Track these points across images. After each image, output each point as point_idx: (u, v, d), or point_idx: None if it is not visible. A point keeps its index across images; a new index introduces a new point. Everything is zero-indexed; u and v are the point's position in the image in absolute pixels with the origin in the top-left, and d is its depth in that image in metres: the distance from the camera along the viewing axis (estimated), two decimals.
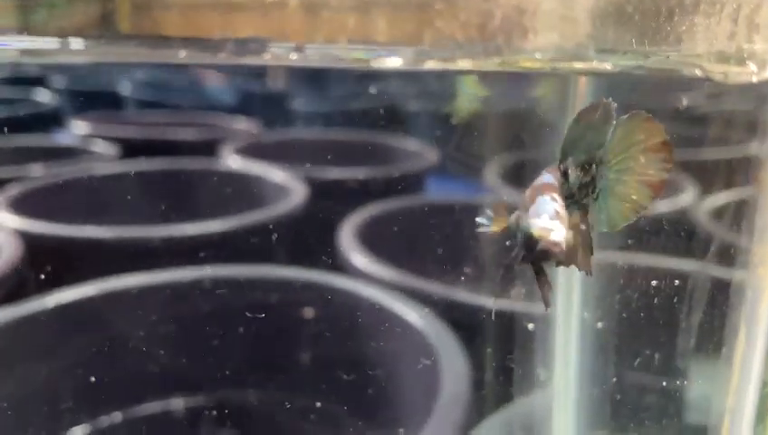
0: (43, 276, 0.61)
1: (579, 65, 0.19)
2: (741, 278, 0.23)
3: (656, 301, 0.28)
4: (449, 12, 0.16)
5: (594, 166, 0.19)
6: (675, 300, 0.27)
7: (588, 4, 0.18)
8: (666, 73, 0.20)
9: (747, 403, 0.23)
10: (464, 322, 0.52)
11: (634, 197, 0.19)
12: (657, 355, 0.28)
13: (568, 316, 0.32)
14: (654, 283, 0.29)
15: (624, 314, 0.29)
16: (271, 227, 0.71)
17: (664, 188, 0.19)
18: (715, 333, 0.24)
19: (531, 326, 0.32)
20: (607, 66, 0.19)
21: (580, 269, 0.19)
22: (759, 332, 0.22)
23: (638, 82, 0.23)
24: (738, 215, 0.23)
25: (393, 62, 0.18)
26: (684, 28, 0.18)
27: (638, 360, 0.30)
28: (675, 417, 0.28)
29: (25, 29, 0.24)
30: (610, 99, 0.18)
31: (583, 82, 0.24)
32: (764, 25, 0.18)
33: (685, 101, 0.23)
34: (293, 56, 0.20)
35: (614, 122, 0.18)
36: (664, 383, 0.28)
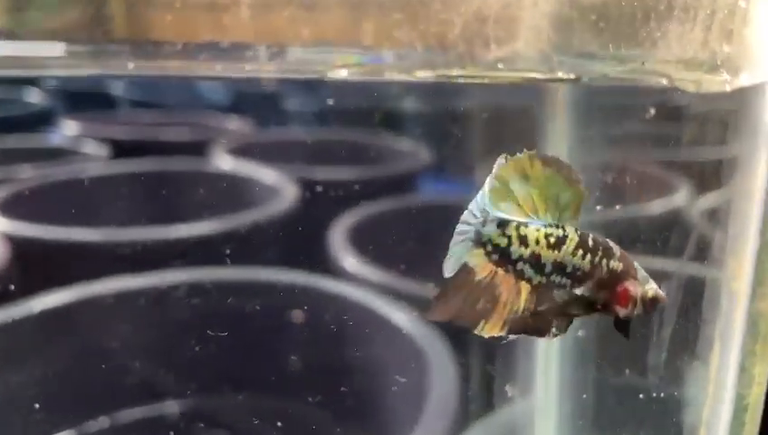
0: (30, 279, 0.60)
1: (539, 76, 0.19)
2: (714, 294, 0.22)
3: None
4: (408, 20, 0.16)
5: (561, 231, 0.18)
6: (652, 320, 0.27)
7: (551, 11, 0.17)
8: (631, 83, 0.19)
9: (722, 419, 0.22)
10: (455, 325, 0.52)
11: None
12: (634, 365, 0.28)
13: None
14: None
15: (602, 324, 0.29)
16: (260, 228, 0.71)
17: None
18: (691, 343, 0.24)
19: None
20: (569, 76, 0.18)
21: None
22: (733, 345, 0.22)
23: (615, 90, 0.22)
24: (712, 223, 0.22)
25: (341, 73, 0.18)
26: (658, 35, 0.18)
27: (617, 368, 0.29)
28: (653, 426, 0.28)
29: (17, 30, 0.24)
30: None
31: (561, 91, 0.24)
32: (738, 33, 0.17)
33: (652, 111, 0.23)
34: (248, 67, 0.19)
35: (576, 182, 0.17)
36: (641, 393, 0.28)
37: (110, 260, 0.64)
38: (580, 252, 0.17)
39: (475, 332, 0.18)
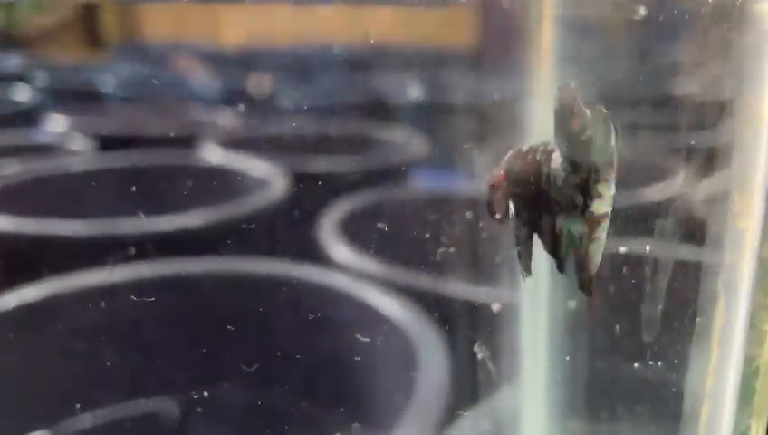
0: (15, 273, 0.59)
1: None
2: (717, 235, 0.20)
3: (625, 276, 0.26)
4: None
5: (587, 169, 0.16)
6: (645, 273, 0.25)
7: None
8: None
9: (728, 385, 0.20)
10: (447, 315, 0.51)
11: None
12: (629, 336, 0.26)
13: (536, 298, 0.30)
14: (623, 257, 0.27)
15: (593, 298, 0.28)
16: (250, 219, 0.70)
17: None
18: (691, 298, 0.22)
19: (496, 308, 0.30)
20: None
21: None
22: (740, 299, 0.20)
23: None
24: (712, 147, 0.20)
25: None
26: None
27: (608, 335, 0.28)
28: (650, 398, 0.26)
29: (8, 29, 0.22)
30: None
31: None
32: None
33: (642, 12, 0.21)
34: None
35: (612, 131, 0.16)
36: (636, 361, 0.26)
37: (95, 253, 0.63)
38: None
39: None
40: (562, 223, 0.17)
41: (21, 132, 1.06)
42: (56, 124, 1.07)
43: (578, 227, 0.17)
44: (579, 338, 0.28)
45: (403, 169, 0.92)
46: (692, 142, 0.19)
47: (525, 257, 0.19)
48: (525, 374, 0.32)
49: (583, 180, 0.16)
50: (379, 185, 0.79)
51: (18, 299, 0.53)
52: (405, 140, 0.98)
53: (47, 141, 1.01)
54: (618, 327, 0.27)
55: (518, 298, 0.34)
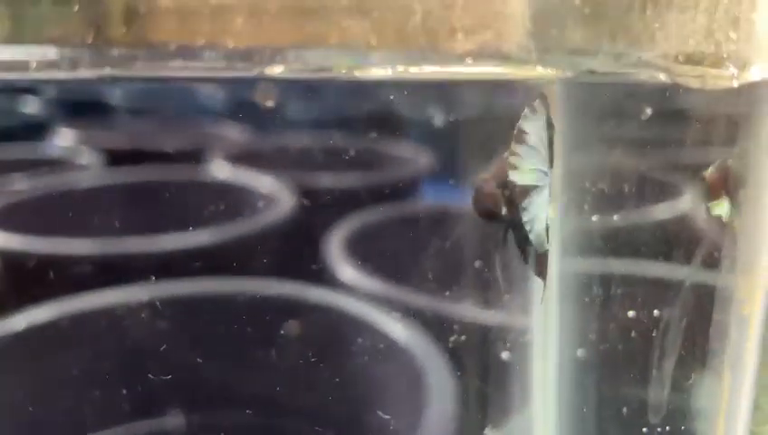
0: (20, 293, 0.59)
1: (520, 72, 0.17)
2: (724, 314, 0.20)
3: (636, 316, 0.26)
4: (358, 8, 0.14)
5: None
6: (657, 315, 0.25)
7: None
8: (622, 78, 0.18)
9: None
10: (453, 336, 0.50)
11: None
12: (634, 400, 0.26)
13: (546, 329, 0.30)
14: (634, 296, 0.26)
15: (603, 330, 0.27)
16: (257, 237, 0.70)
17: None
18: (698, 374, 0.22)
19: (506, 351, 0.30)
20: (551, 71, 0.17)
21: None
22: (746, 379, 0.20)
23: (607, 88, 0.20)
24: (720, 235, 0.20)
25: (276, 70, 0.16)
26: (656, 26, 0.16)
27: (620, 379, 0.27)
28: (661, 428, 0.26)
29: (16, 37, 0.23)
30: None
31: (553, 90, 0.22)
32: (745, 20, 0.16)
33: (649, 112, 0.21)
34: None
35: None
36: (643, 427, 0.26)
37: (103, 272, 0.63)
38: None
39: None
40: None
41: (28, 146, 1.06)
42: (64, 138, 1.07)
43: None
44: (587, 387, 0.27)
45: (413, 183, 0.91)
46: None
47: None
48: (535, 407, 0.32)
49: (512, 191, 0.19)
50: (388, 200, 0.79)
51: (26, 321, 0.53)
52: (414, 155, 0.97)
53: (55, 155, 1.02)
54: (625, 398, 0.27)
55: (525, 322, 0.34)
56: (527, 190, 0.19)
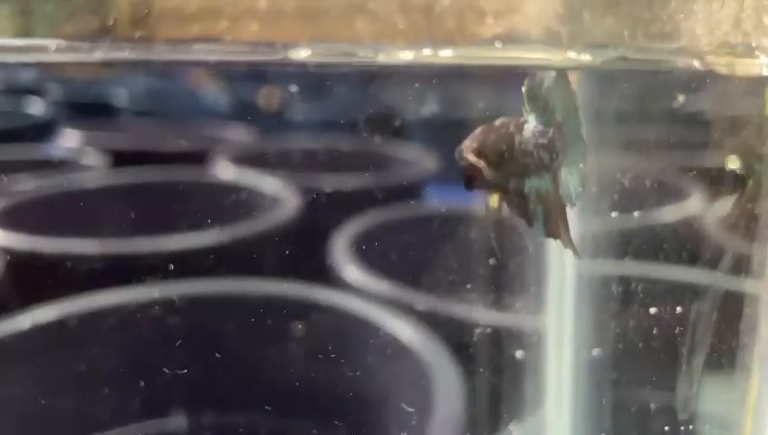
0: (26, 293, 0.59)
1: (550, 57, 0.17)
2: (754, 291, 0.20)
3: (657, 318, 0.25)
4: None
5: (552, 131, 0.19)
6: (677, 316, 0.25)
7: None
8: (654, 66, 0.17)
9: None
10: (460, 338, 0.50)
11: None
12: (655, 376, 0.26)
13: (560, 331, 0.29)
14: (655, 298, 0.26)
15: (619, 332, 0.27)
16: (261, 238, 0.70)
17: None
18: (726, 372, 0.21)
19: (520, 352, 0.30)
20: (585, 57, 0.16)
21: (565, 247, 0.19)
22: None
23: (635, 79, 0.20)
24: (749, 223, 0.20)
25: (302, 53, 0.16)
26: (682, 16, 0.15)
27: (637, 380, 0.27)
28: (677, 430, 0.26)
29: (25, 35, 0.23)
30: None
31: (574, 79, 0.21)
32: None
33: (681, 99, 0.21)
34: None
35: (571, 92, 0.18)
36: (670, 408, 0.25)
37: (108, 272, 0.63)
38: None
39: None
40: (530, 184, 0.19)
41: (34, 147, 1.06)
42: (69, 139, 1.07)
43: (543, 184, 0.19)
44: (601, 388, 0.27)
45: (417, 185, 0.91)
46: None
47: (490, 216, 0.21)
48: (548, 406, 0.31)
49: (550, 140, 0.19)
50: (393, 202, 0.79)
51: (32, 320, 0.53)
52: (418, 157, 0.97)
53: (60, 156, 1.02)
54: (647, 370, 0.26)
55: (539, 324, 0.33)
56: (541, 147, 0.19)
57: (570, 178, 0.19)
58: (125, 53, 0.17)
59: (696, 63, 0.17)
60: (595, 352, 0.28)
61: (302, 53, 0.16)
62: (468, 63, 0.18)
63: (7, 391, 0.51)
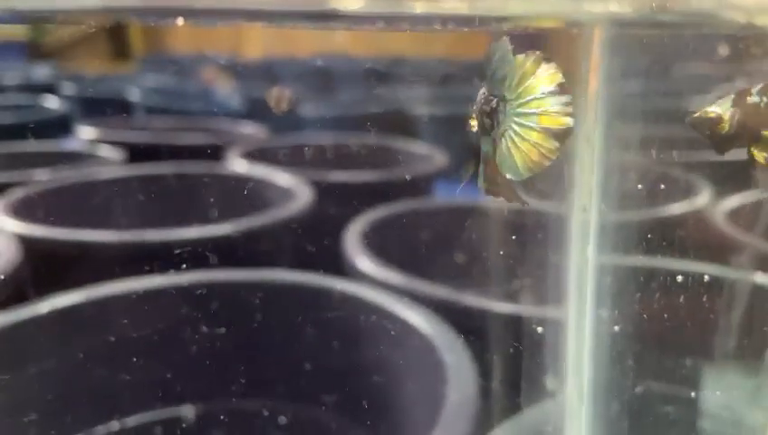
0: (43, 281, 0.60)
1: (584, 7, 0.17)
2: None
3: (678, 304, 0.26)
4: None
5: (496, 100, 0.20)
6: (699, 303, 0.25)
7: None
8: (699, 20, 0.17)
9: None
10: (472, 326, 0.50)
11: (538, 142, 0.19)
12: (679, 363, 0.26)
13: (581, 317, 0.30)
14: (676, 286, 0.26)
15: (639, 321, 0.27)
16: (274, 230, 0.70)
17: (568, 136, 0.18)
18: (747, 353, 0.21)
19: (540, 329, 0.30)
20: (619, 8, 0.16)
21: (509, 201, 0.21)
22: None
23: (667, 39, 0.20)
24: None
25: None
26: None
27: (658, 367, 0.27)
28: (694, 420, 0.26)
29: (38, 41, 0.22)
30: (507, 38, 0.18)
31: (597, 41, 0.21)
32: None
33: (723, 52, 0.21)
34: None
35: (511, 61, 0.19)
36: (688, 395, 0.26)
37: (124, 262, 0.64)
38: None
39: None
40: (483, 146, 0.21)
41: (51, 141, 1.08)
42: (85, 133, 1.09)
43: (487, 147, 0.21)
44: (624, 362, 0.27)
45: (427, 180, 0.91)
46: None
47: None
48: (567, 392, 0.31)
49: (492, 108, 0.20)
50: (403, 196, 0.79)
51: (50, 306, 0.54)
52: (428, 152, 0.98)
53: (76, 150, 1.03)
54: (668, 355, 0.26)
55: (558, 314, 0.33)
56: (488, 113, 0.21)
57: (511, 152, 0.19)
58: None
59: (741, 18, 0.16)
60: (614, 337, 0.28)
61: (353, 4, 0.16)
62: (486, 15, 0.18)
63: (24, 375, 0.52)
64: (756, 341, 0.22)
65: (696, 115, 0.20)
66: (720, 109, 0.20)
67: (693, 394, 0.28)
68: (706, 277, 0.29)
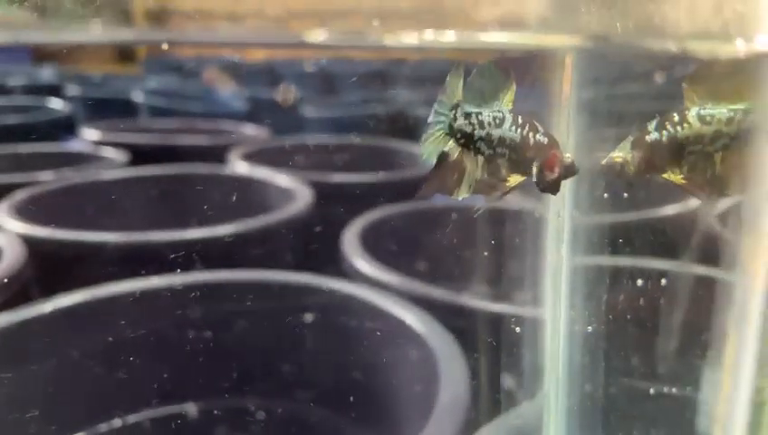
0: (46, 281, 0.61)
1: (541, 40, 0.18)
2: (729, 277, 0.21)
3: (642, 303, 0.27)
4: None
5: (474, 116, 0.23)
6: (661, 302, 0.26)
7: None
8: (636, 50, 0.19)
9: (739, 412, 0.21)
10: (467, 326, 0.51)
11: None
12: (645, 360, 0.27)
13: (555, 319, 0.31)
14: (640, 284, 0.27)
15: (611, 317, 0.28)
16: (275, 230, 0.71)
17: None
18: (705, 335, 0.23)
19: (527, 329, 0.31)
20: (571, 41, 0.18)
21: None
22: (749, 334, 0.21)
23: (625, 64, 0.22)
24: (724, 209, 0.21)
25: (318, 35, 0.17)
26: (668, 6, 0.17)
27: (627, 364, 0.28)
28: (664, 422, 0.27)
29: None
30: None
31: (569, 65, 0.23)
32: None
33: (659, 80, 0.22)
34: None
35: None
36: (654, 389, 0.27)
37: (126, 262, 0.64)
38: (514, 127, 0.23)
39: (453, 197, 0.24)
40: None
41: (55, 143, 1.09)
42: (89, 135, 1.10)
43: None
44: (597, 347, 0.28)
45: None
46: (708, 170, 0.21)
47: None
48: (546, 387, 0.32)
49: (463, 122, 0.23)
50: (403, 197, 0.80)
51: (53, 305, 0.54)
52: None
53: (80, 151, 1.04)
54: (635, 353, 0.27)
55: (538, 311, 0.34)
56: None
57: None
58: (154, 35, 0.18)
59: (673, 47, 0.18)
60: (587, 337, 0.29)
61: (319, 36, 0.17)
62: (466, 47, 0.20)
63: (27, 372, 0.52)
64: (715, 334, 0.23)
65: (603, 162, 0.23)
66: (622, 153, 0.22)
67: (667, 389, 0.29)
68: (667, 275, 0.30)
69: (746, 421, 0.21)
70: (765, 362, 0.21)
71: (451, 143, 0.23)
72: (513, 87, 0.23)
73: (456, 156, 0.23)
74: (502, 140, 0.23)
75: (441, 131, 0.23)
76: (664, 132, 0.21)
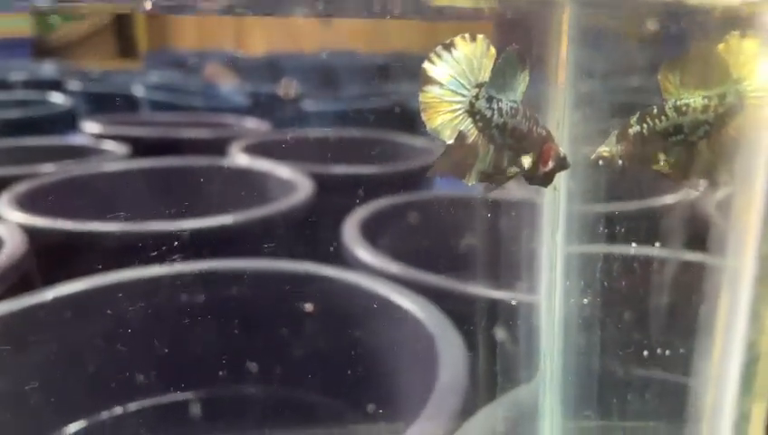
0: (48, 270, 0.61)
1: None
2: (721, 232, 0.21)
3: (634, 279, 0.27)
4: None
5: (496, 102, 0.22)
6: (654, 284, 0.26)
7: None
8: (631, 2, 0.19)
9: (732, 369, 0.21)
10: (466, 314, 0.51)
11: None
12: (639, 333, 0.27)
13: (551, 304, 0.31)
14: (632, 264, 0.28)
15: (605, 295, 0.28)
16: (276, 221, 0.71)
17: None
18: (696, 290, 0.23)
19: (527, 313, 0.31)
20: None
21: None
22: (742, 292, 0.21)
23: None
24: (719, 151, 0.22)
25: None
26: None
27: (621, 339, 0.29)
28: (659, 382, 0.27)
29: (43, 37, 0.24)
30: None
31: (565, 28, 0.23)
32: None
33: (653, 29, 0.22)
34: None
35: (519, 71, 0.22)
36: (645, 349, 0.27)
37: (127, 252, 0.65)
38: (524, 120, 0.23)
39: (463, 181, 0.23)
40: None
41: (57, 136, 1.09)
42: (91, 129, 1.10)
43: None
44: (591, 330, 0.29)
45: (426, 172, 0.92)
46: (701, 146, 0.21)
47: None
48: (542, 369, 0.33)
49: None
50: (403, 189, 0.80)
51: (54, 294, 0.55)
52: (428, 145, 0.99)
53: (82, 144, 1.05)
54: (627, 319, 0.28)
55: (534, 297, 0.35)
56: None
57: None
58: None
59: None
60: (583, 320, 0.29)
61: None
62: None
63: (29, 360, 0.53)
64: (713, 308, 0.23)
65: (593, 157, 0.23)
66: (608, 147, 0.23)
67: (661, 373, 0.29)
68: (659, 259, 0.30)
69: (738, 378, 0.22)
70: (757, 317, 0.21)
71: (469, 123, 0.22)
72: (527, 79, 0.22)
73: (472, 139, 0.22)
74: (513, 131, 0.22)
75: (461, 108, 0.22)
76: (644, 125, 0.22)
